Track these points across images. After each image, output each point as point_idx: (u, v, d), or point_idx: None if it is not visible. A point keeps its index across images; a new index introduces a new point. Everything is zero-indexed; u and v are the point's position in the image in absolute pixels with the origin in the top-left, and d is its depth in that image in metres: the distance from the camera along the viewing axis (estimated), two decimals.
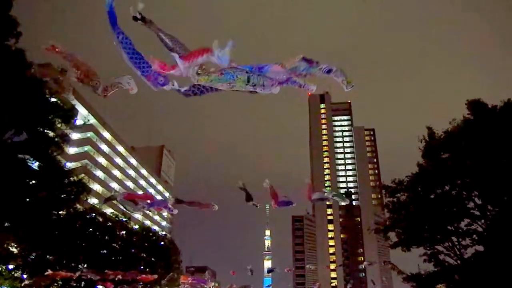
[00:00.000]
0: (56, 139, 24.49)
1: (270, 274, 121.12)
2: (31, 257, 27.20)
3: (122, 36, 5.91)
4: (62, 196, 26.18)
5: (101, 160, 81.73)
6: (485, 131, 26.15)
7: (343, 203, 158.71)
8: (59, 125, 24.51)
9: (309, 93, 7.19)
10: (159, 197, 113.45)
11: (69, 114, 25.27)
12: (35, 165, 22.97)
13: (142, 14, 5.95)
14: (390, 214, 32.49)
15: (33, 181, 22.89)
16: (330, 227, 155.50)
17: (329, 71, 6.34)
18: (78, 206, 31.99)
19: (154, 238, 58.87)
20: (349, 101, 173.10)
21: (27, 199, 22.09)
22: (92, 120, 76.65)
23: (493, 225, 27.12)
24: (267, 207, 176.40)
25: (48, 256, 28.51)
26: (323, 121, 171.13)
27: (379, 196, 37.19)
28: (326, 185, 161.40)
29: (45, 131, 23.22)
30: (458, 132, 28.16)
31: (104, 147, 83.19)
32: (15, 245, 25.40)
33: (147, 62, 6.02)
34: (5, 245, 24.22)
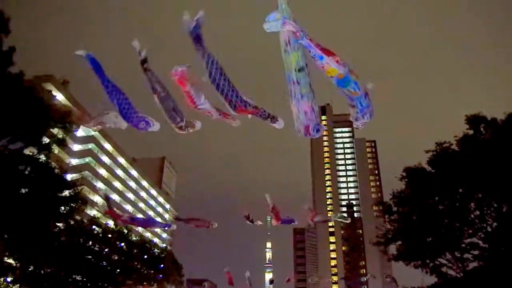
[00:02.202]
0: (52, 147, 24.13)
1: (271, 286, 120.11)
2: (29, 269, 26.95)
3: (110, 85, 5.85)
4: (61, 208, 26.05)
5: (102, 171, 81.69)
6: (485, 144, 26.25)
7: (345, 215, 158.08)
8: (56, 131, 24.17)
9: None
10: (159, 209, 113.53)
11: (65, 119, 24.53)
12: (32, 176, 22.73)
13: (146, 61, 5.72)
14: (391, 225, 32.43)
15: (30, 192, 22.69)
16: (332, 239, 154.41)
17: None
18: (77, 217, 31.75)
19: (154, 250, 58.44)
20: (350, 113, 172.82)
21: (25, 210, 21.90)
22: (94, 132, 76.84)
23: (493, 237, 26.97)
24: (268, 220, 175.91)
25: (46, 269, 28.26)
26: (325, 132, 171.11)
27: (381, 208, 37.23)
28: (327, 196, 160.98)
29: (42, 138, 22.76)
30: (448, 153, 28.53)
31: (105, 159, 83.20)
32: (13, 257, 25.17)
33: (132, 108, 5.98)
34: (3, 257, 24.02)
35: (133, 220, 13.32)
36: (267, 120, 5.88)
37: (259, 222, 16.58)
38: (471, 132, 28.51)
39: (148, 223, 16.20)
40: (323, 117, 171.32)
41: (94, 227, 39.82)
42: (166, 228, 15.12)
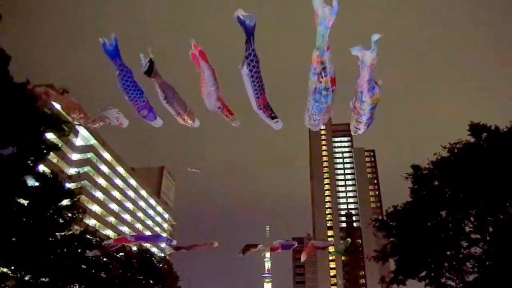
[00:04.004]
0: (46, 151, 23.70)
1: None
2: (26, 278, 26.75)
3: (124, 69, 5.90)
4: (60, 217, 25.98)
5: (101, 181, 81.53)
6: (487, 153, 26.20)
7: (344, 224, 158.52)
8: (50, 135, 23.78)
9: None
10: (158, 219, 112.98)
11: (60, 122, 23.96)
12: (32, 184, 22.57)
13: (151, 65, 5.86)
14: (388, 240, 32.28)
15: (30, 201, 22.58)
16: (331, 249, 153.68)
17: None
18: (76, 227, 31.61)
19: (152, 260, 58.11)
20: (349, 123, 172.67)
21: (24, 219, 21.82)
22: (93, 141, 76.82)
23: (492, 247, 26.87)
24: (267, 229, 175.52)
25: (44, 279, 28.06)
26: (323, 142, 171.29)
27: (380, 218, 36.92)
28: (326, 206, 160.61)
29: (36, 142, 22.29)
30: (451, 159, 28.39)
31: (104, 168, 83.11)
32: (10, 266, 25.00)
33: (143, 95, 6.05)
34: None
35: (138, 239, 13.32)
36: (270, 118, 6.16)
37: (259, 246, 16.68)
38: (472, 140, 28.40)
39: (150, 239, 16.30)
40: (322, 127, 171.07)
41: (92, 236, 39.57)
42: (168, 241, 14.98)
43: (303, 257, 19.61)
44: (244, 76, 5.61)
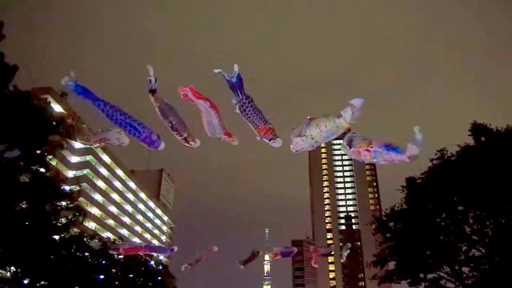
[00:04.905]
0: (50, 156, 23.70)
1: None
2: (24, 282, 26.69)
3: (103, 103, 5.83)
4: (59, 220, 25.93)
5: (100, 183, 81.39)
6: (487, 155, 26.12)
7: (343, 227, 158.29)
8: (52, 138, 23.84)
9: (309, 117, 6.91)
10: (157, 221, 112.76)
11: (59, 125, 23.99)
12: (31, 186, 22.53)
13: (155, 87, 6.05)
14: (387, 243, 32.28)
15: (30, 203, 22.53)
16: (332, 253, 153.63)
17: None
18: (75, 229, 31.53)
19: (151, 262, 58.02)
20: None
21: (23, 222, 21.77)
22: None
23: (492, 250, 26.85)
24: (266, 232, 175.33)
25: (43, 282, 27.99)
26: (322, 145, 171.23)
27: (376, 224, 36.90)
28: (326, 208, 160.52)
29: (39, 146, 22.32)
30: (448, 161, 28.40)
31: (103, 171, 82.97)
32: (9, 270, 24.95)
33: (140, 125, 6.00)
34: None
35: (143, 248, 13.42)
36: (269, 139, 6.25)
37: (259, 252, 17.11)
38: (472, 142, 28.28)
39: (152, 249, 16.51)
40: None
41: (89, 239, 39.47)
42: (170, 252, 15.15)
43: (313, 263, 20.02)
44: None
